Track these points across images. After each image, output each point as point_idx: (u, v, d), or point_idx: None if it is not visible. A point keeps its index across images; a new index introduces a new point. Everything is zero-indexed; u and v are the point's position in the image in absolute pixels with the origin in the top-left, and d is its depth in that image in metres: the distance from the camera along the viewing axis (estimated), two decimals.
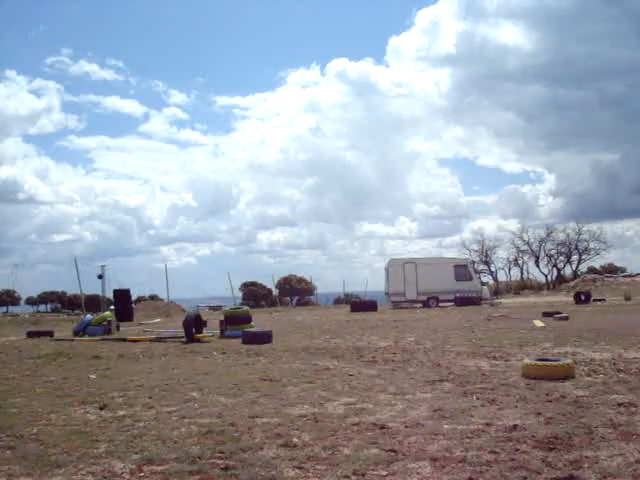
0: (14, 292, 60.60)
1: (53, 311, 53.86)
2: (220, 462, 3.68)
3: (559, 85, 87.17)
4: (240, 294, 49.16)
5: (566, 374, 6.31)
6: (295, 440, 4.14)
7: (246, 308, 16.27)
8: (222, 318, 13.60)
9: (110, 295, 24.04)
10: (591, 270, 51.42)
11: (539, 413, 4.77)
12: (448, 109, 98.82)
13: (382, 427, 4.44)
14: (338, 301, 42.35)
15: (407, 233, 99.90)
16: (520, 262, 52.97)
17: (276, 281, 43.87)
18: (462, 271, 28.92)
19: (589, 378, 6.35)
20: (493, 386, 6.01)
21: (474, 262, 37.72)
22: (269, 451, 3.91)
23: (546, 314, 16.16)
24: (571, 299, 26.22)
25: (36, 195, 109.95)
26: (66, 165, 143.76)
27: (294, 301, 52.84)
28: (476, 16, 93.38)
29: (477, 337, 11.13)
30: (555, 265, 51.88)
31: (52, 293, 61.28)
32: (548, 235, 50.57)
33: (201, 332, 12.70)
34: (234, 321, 13.14)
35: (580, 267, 51.54)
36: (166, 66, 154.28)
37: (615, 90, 78.97)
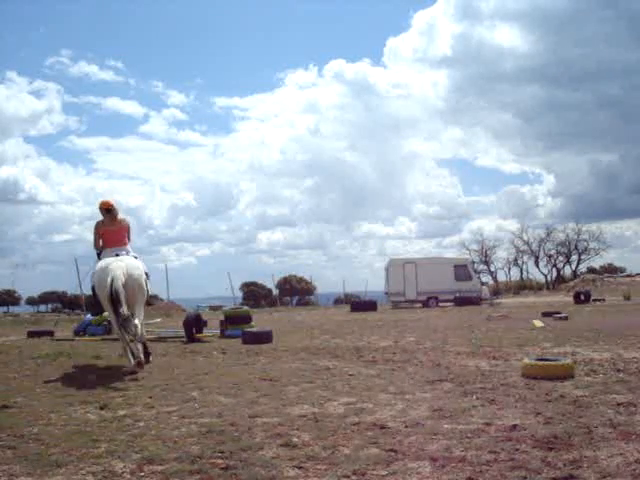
0: (14, 292, 60.62)
1: (53, 311, 53.83)
2: (220, 462, 3.68)
3: (556, 86, 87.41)
4: (240, 294, 49.21)
5: (566, 374, 6.31)
6: (295, 440, 4.14)
7: (246, 308, 16.26)
8: (222, 318, 13.59)
9: None
10: (591, 270, 51.51)
11: (539, 413, 4.77)
12: (446, 110, 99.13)
13: (382, 427, 4.44)
14: (338, 301, 42.34)
15: (407, 233, 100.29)
16: (520, 262, 53.17)
17: (276, 281, 43.90)
18: (462, 271, 28.97)
19: (589, 378, 6.35)
20: (493, 386, 6.01)
21: (474, 262, 37.73)
22: (269, 451, 3.91)
23: (546, 314, 16.15)
24: (571, 299, 26.23)
25: (37, 195, 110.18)
26: (67, 165, 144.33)
27: (294, 301, 52.86)
28: (473, 18, 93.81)
29: (477, 337, 11.13)
30: (555, 265, 52.01)
31: (52, 293, 61.23)
32: (548, 235, 50.71)
33: (201, 332, 12.70)
34: (234, 321, 13.13)
35: (580, 267, 51.69)
36: (165, 67, 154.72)
37: (612, 91, 79.20)
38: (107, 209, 8.61)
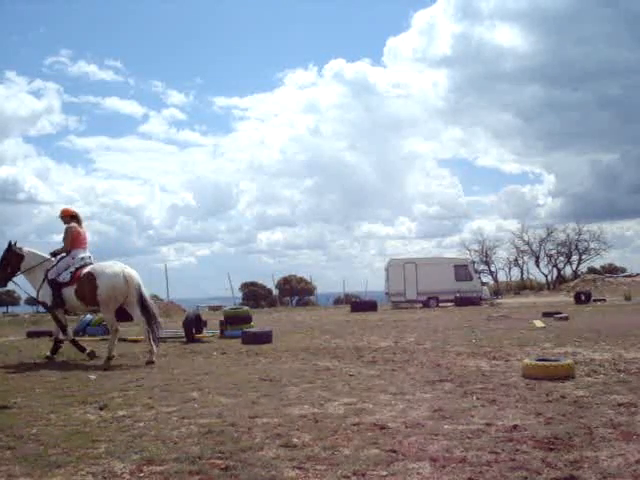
0: (14, 292, 60.51)
1: None
2: (220, 462, 3.67)
3: (557, 86, 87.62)
4: (240, 294, 49.12)
5: (566, 374, 6.30)
6: (295, 440, 4.13)
7: (246, 308, 16.25)
8: (222, 318, 13.59)
9: None
10: (591, 270, 51.39)
11: (539, 413, 4.76)
12: (446, 110, 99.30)
13: (382, 427, 4.44)
14: (338, 301, 42.29)
15: (407, 233, 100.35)
16: (520, 262, 53.04)
17: (276, 281, 43.86)
18: (462, 271, 28.92)
19: (589, 378, 6.34)
20: (493, 386, 6.01)
21: (474, 262, 37.70)
22: (269, 451, 3.90)
23: (546, 314, 16.14)
24: (571, 299, 26.20)
25: (36, 195, 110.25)
26: (66, 165, 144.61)
27: (294, 301, 52.77)
28: (472, 18, 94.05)
29: (477, 337, 11.12)
30: (555, 265, 51.91)
31: None
32: (548, 235, 50.62)
33: (201, 332, 12.69)
34: (234, 321, 13.13)
35: (580, 267, 51.57)
36: (165, 67, 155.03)
37: (613, 91, 79.32)
38: (72, 216, 9.36)
